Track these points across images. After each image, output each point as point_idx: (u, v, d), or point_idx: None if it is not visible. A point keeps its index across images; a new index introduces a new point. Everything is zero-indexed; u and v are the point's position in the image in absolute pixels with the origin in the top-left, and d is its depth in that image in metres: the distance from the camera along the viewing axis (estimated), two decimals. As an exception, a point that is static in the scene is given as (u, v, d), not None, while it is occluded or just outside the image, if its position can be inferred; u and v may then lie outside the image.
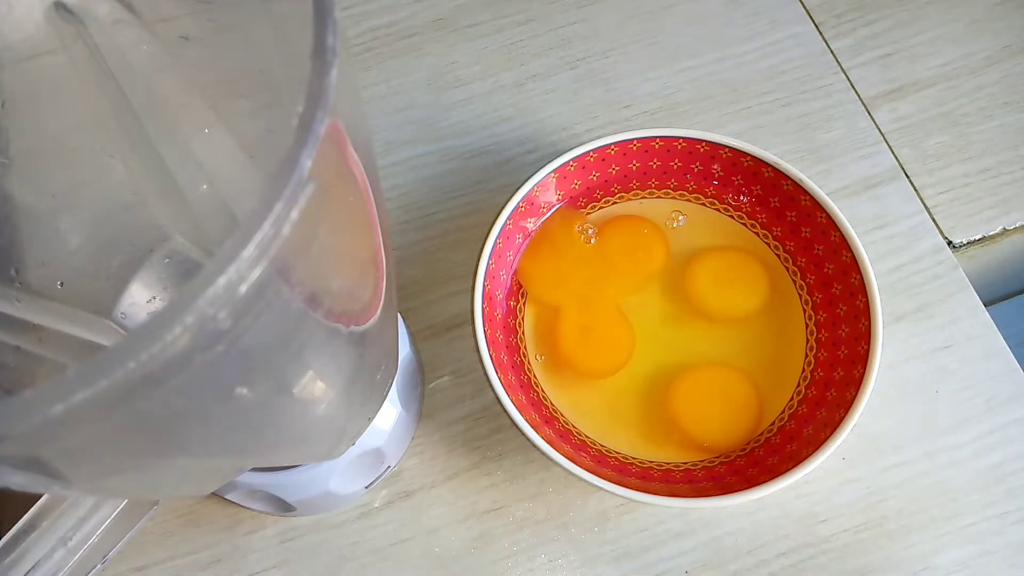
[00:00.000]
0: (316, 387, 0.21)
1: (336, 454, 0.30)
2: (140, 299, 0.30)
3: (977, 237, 0.42)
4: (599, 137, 0.37)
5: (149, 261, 0.30)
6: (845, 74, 0.46)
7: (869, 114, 0.45)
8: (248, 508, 0.36)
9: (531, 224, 0.38)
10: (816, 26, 0.48)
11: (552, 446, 0.31)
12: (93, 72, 0.25)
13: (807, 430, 0.33)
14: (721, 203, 0.39)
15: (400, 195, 0.44)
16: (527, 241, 0.38)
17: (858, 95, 0.46)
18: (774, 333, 0.37)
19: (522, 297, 0.38)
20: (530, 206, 0.37)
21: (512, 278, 0.38)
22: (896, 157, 0.44)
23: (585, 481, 0.31)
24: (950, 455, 0.38)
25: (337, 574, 0.36)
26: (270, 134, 0.25)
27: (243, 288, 0.12)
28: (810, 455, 0.31)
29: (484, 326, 0.34)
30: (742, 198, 0.38)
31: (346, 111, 0.15)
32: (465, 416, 0.39)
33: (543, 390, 0.36)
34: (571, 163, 0.37)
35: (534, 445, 0.31)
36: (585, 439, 0.35)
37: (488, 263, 0.35)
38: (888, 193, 0.43)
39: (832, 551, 0.36)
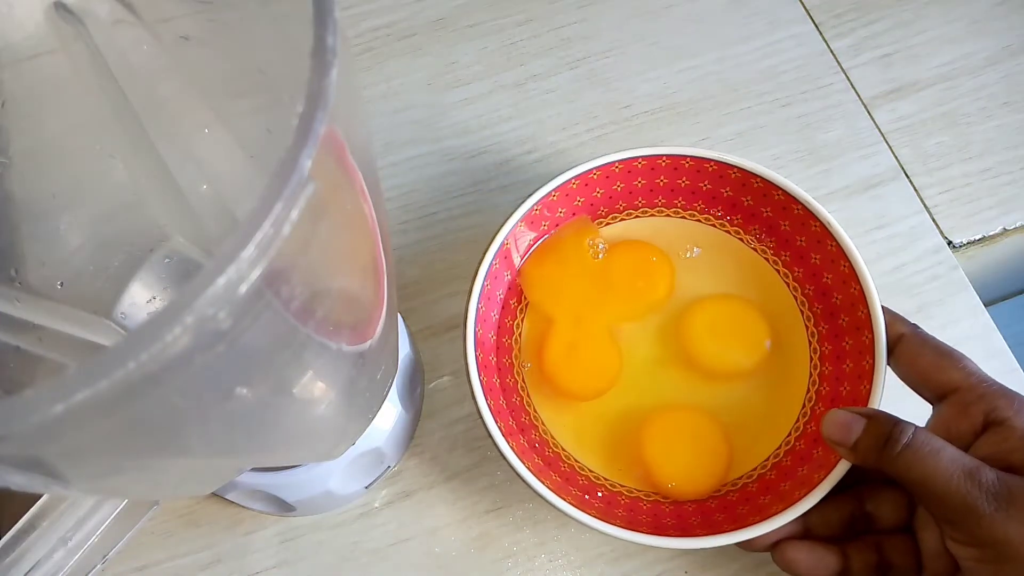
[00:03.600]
0: (316, 387, 0.21)
1: (336, 454, 0.30)
2: (140, 299, 0.30)
3: (977, 237, 0.42)
4: (604, 153, 0.36)
5: (149, 261, 0.30)
6: (845, 74, 0.46)
7: (869, 114, 0.45)
8: (248, 508, 0.36)
9: (531, 237, 0.37)
10: (816, 26, 0.48)
11: (538, 477, 0.31)
12: (93, 72, 0.25)
13: (801, 470, 0.32)
14: (731, 226, 0.38)
15: (400, 195, 0.44)
16: (530, 251, 0.37)
17: (858, 95, 0.46)
18: (771, 380, 0.36)
19: (521, 313, 0.37)
20: (531, 223, 0.37)
21: (513, 282, 0.37)
22: (896, 157, 0.44)
23: (584, 524, 0.31)
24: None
25: (337, 574, 0.36)
26: (270, 134, 0.25)
27: (243, 288, 0.12)
28: (803, 496, 0.30)
29: (476, 350, 0.34)
30: (753, 222, 0.37)
31: (346, 111, 0.15)
32: (465, 416, 0.39)
33: (535, 411, 0.36)
34: (573, 181, 0.36)
35: (524, 481, 0.31)
36: (573, 464, 0.34)
37: (484, 282, 0.35)
38: (888, 193, 0.43)
39: (832, 551, 0.36)
